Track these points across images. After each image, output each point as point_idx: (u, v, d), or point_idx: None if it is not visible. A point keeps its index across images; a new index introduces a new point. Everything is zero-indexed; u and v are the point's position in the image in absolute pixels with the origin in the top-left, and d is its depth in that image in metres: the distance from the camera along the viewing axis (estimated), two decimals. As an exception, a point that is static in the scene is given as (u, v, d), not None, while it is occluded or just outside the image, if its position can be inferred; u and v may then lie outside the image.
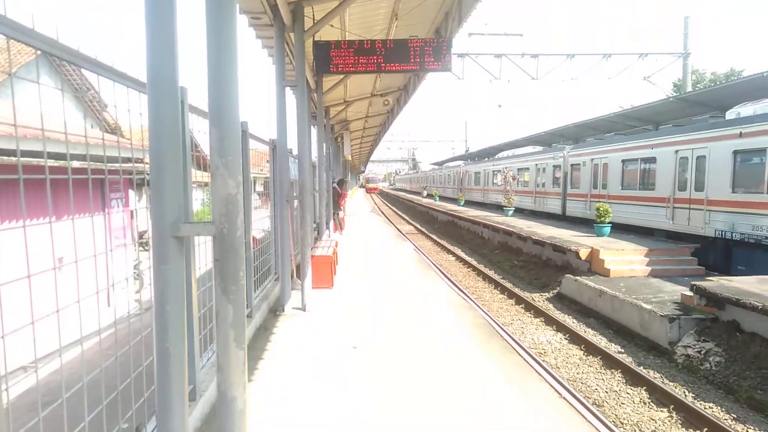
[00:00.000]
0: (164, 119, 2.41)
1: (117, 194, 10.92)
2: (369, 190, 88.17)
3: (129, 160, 3.35)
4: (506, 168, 27.92)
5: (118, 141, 3.16)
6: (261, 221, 8.44)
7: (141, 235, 13.77)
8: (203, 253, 3.84)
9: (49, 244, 2.27)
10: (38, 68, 2.19)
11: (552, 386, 4.87)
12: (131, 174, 3.51)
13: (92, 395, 2.64)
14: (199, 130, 4.05)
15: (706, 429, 6.11)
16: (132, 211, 11.46)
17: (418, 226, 30.93)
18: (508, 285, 14.24)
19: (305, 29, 7.48)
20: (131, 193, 13.12)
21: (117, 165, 2.97)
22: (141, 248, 14.06)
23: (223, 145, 2.46)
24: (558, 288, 13.22)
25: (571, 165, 20.92)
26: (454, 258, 19.72)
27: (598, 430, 4.03)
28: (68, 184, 2.46)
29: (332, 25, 8.40)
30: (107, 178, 9.79)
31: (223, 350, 2.50)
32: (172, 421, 2.51)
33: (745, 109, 12.87)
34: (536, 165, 24.57)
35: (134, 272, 11.09)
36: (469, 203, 35.67)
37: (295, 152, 8.49)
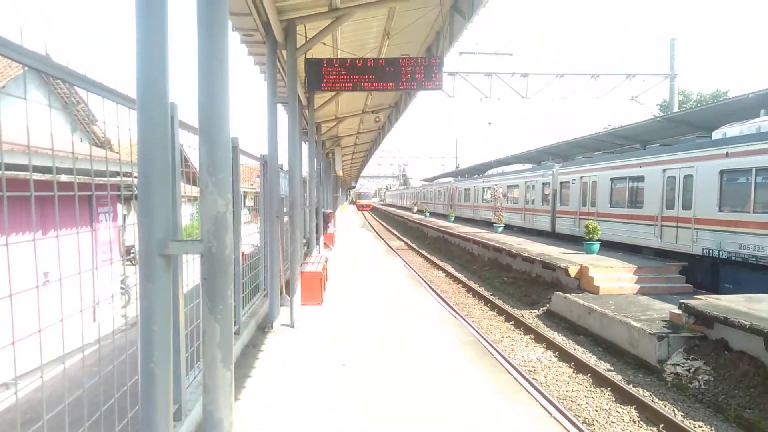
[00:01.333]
0: (153, 136, 2.40)
1: (105, 208, 10.82)
2: (360, 207, 78.03)
3: (117, 173, 3.32)
4: (496, 185, 28.08)
5: (106, 155, 3.13)
6: (251, 236, 8.40)
7: (128, 250, 13.64)
8: (190, 268, 3.80)
9: (34, 258, 2.23)
10: (25, 83, 2.17)
11: (543, 406, 4.85)
12: (119, 188, 3.47)
13: (74, 414, 2.58)
14: (189, 145, 4.03)
15: (695, 449, 6.10)
16: (119, 227, 11.36)
17: (409, 242, 30.90)
18: (498, 302, 14.22)
19: (297, 47, 7.52)
20: (119, 207, 13.02)
21: (105, 179, 2.93)
22: (128, 263, 13.92)
23: (213, 162, 2.44)
24: (548, 305, 13.22)
25: (561, 183, 21.07)
26: (444, 274, 19.70)
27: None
28: (54, 198, 2.43)
29: (324, 43, 8.46)
30: (94, 193, 9.71)
31: (210, 370, 2.46)
32: (156, 442, 2.46)
33: (731, 130, 13.06)
34: (526, 182, 24.73)
35: (121, 287, 10.97)
36: (460, 219, 35.75)
37: (286, 168, 8.48)
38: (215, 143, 2.45)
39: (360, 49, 9.90)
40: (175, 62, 2.63)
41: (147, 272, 2.40)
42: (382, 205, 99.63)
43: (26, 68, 2.21)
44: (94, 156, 2.93)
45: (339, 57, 8.30)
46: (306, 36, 7.90)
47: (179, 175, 3.76)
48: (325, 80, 7.43)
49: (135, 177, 2.59)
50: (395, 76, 7.46)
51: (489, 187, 29.47)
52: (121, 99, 2.87)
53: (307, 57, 7.82)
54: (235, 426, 4.12)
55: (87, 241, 9.40)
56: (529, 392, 5.21)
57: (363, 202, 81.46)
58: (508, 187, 27.18)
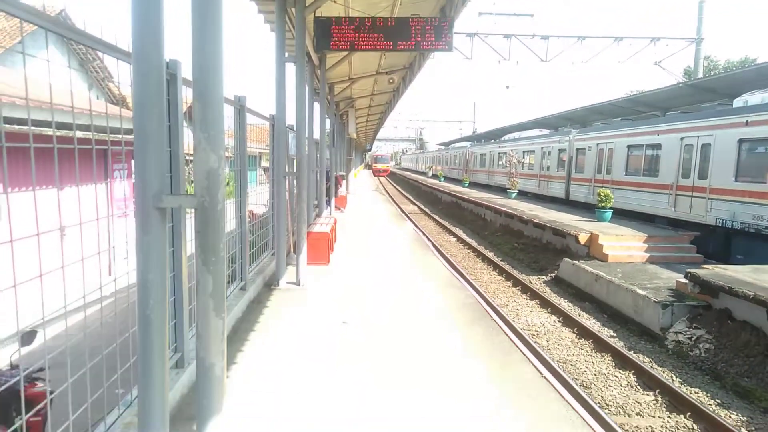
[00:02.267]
0: (148, 91, 2.45)
1: (120, 165, 10.98)
2: (377, 173, 68.33)
3: (132, 131, 3.39)
4: (512, 150, 27.80)
5: (120, 112, 3.19)
6: (264, 195, 8.51)
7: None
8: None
9: (53, 212, 2.33)
10: (47, 38, 2.24)
11: (536, 367, 4.96)
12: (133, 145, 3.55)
13: (81, 360, 2.73)
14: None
15: (689, 413, 6.21)
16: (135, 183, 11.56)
17: (422, 206, 30.95)
18: (507, 267, 14.30)
19: (306, 4, 7.44)
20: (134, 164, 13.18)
21: (120, 136, 3.01)
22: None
23: (206, 118, 2.50)
24: (556, 272, 13.28)
25: (577, 149, 20.79)
26: (455, 239, 19.79)
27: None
28: (72, 154, 2.51)
29: (335, 1, 8.34)
30: (110, 149, 9.84)
31: (203, 319, 2.58)
32: (153, 385, 2.59)
33: (753, 98, 12.72)
34: (542, 148, 24.44)
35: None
36: (474, 185, 35.59)
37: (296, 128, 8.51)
38: (208, 100, 2.50)
39: (372, 7, 9.72)
40: (175, 20, 2.66)
41: (143, 224, 2.50)
42: (397, 169, 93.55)
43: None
44: (109, 113, 3.00)
45: (350, 16, 8.18)
46: (316, -7, 7.79)
47: (182, 131, 3.82)
48: (333, 39, 7.35)
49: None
50: (404, 37, 7.36)
51: (504, 153, 29.18)
52: (123, 55, 2.92)
53: (317, 15, 7.73)
54: (236, 376, 4.31)
55: (102, 197, 9.60)
56: (523, 353, 5.32)
57: (380, 166, 70.75)
58: (523, 152, 26.90)
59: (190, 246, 4.01)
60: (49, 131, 5.01)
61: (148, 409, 2.58)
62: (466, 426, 3.73)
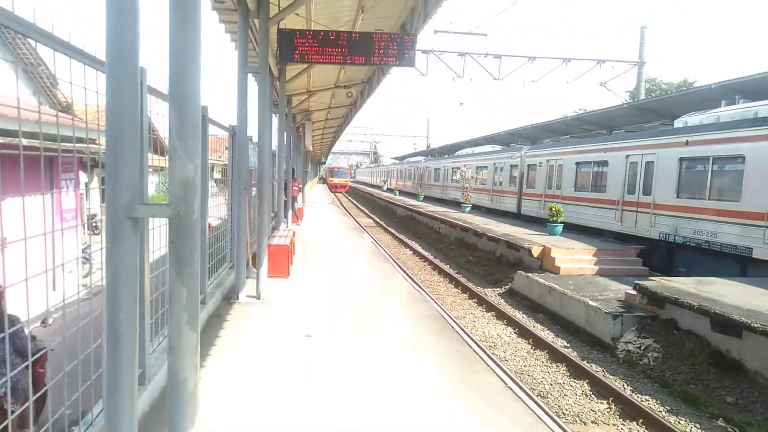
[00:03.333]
0: (122, 99, 2.38)
1: (68, 174, 10.55)
2: (333, 188, 59.88)
3: (81, 140, 3.28)
4: (465, 165, 28.34)
5: (72, 120, 3.09)
6: (218, 208, 8.34)
7: (91, 219, 13.36)
8: (156, 237, 3.80)
9: None
10: None
11: (500, 376, 5.05)
12: (83, 154, 3.44)
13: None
14: (157, 113, 3.99)
15: (641, 420, 6.45)
16: (82, 193, 11.11)
17: (377, 220, 31.05)
18: (463, 280, 14.51)
19: (270, 16, 7.41)
20: (82, 174, 12.69)
21: (70, 145, 2.90)
22: (90, 232, 13.64)
23: (183, 127, 2.45)
24: (510, 284, 13.57)
25: (528, 165, 21.41)
26: (411, 252, 19.93)
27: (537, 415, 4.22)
28: (17, 162, 2.40)
29: (297, 14, 8.35)
30: (60, 157, 9.45)
31: (176, 332, 2.50)
32: (120, 402, 2.49)
33: (692, 119, 13.48)
34: (494, 164, 25.04)
35: (83, 256, 10.77)
36: (429, 199, 36.00)
37: (255, 140, 8.41)
38: (185, 108, 2.46)
39: (334, 21, 9.79)
40: (146, 26, 2.61)
41: (114, 235, 2.41)
42: (352, 182, 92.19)
43: (-10, 23, 2.16)
44: (56, 121, 2.89)
45: (312, 29, 8.21)
46: (279, 5, 7.78)
47: (147, 141, 3.74)
48: (297, 51, 7.34)
49: (99, 144, 2.57)
50: (368, 51, 7.43)
51: (458, 168, 29.72)
52: (89, 60, 2.83)
53: (280, 27, 7.72)
54: (199, 390, 4.17)
55: (49, 208, 9.18)
56: (487, 364, 5.40)
57: (337, 180, 61.78)
58: (476, 168, 27.47)
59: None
60: (-1, 138, 4.80)
61: (116, 428, 2.48)
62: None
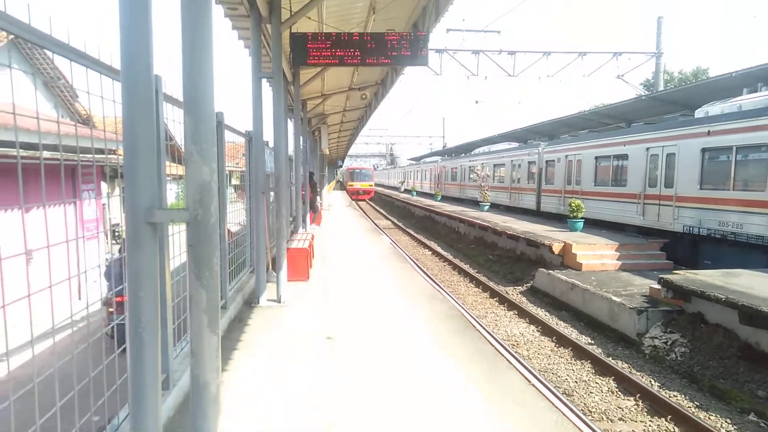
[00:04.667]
0: (138, 106, 2.41)
1: (89, 185, 10.74)
2: (354, 194, 49.60)
3: (102, 151, 3.33)
4: (482, 164, 28.19)
5: (91, 132, 3.13)
6: (236, 214, 8.41)
7: (114, 229, 13.58)
8: (177, 244, 3.84)
9: (18, 237, 2.26)
10: (9, 55, 2.15)
11: (523, 374, 4.99)
12: (103, 165, 3.49)
13: (64, 385, 2.64)
14: (174, 119, 4.04)
15: (669, 416, 6.32)
16: (104, 203, 11.30)
17: (395, 221, 31.04)
18: (483, 279, 14.42)
19: (282, 21, 7.45)
20: (103, 185, 12.90)
21: (90, 156, 2.94)
22: (114, 241, 13.87)
23: (198, 131, 2.47)
24: (531, 282, 13.45)
25: (546, 161, 21.21)
26: (430, 252, 19.87)
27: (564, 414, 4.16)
28: (39, 175, 2.44)
29: (309, 17, 8.38)
30: (80, 169, 9.62)
31: (197, 335, 2.52)
32: (145, 407, 2.52)
33: (713, 108, 13.22)
34: (512, 161, 24.85)
35: (107, 265, 10.94)
36: (446, 198, 35.88)
37: (271, 145, 8.47)
38: (199, 113, 2.48)
39: (345, 24, 9.82)
40: (160, 34, 2.64)
41: (134, 240, 2.44)
42: None
43: (10, 37, 2.21)
44: (78, 132, 2.94)
45: (324, 32, 8.24)
46: (291, 10, 7.82)
47: (164, 147, 3.78)
48: (310, 55, 7.38)
49: (119, 154, 2.60)
50: (381, 52, 7.43)
51: (475, 166, 29.57)
52: (105, 69, 2.87)
53: (292, 31, 7.76)
54: (223, 396, 4.20)
55: (72, 220, 9.35)
56: (510, 362, 5.35)
57: (359, 185, 50.63)
58: (494, 166, 27.29)
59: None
60: (12, 151, 4.89)
61: (141, 432, 2.50)
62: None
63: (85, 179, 10.75)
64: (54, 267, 2.57)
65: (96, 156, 3.10)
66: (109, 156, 4.31)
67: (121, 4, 2.38)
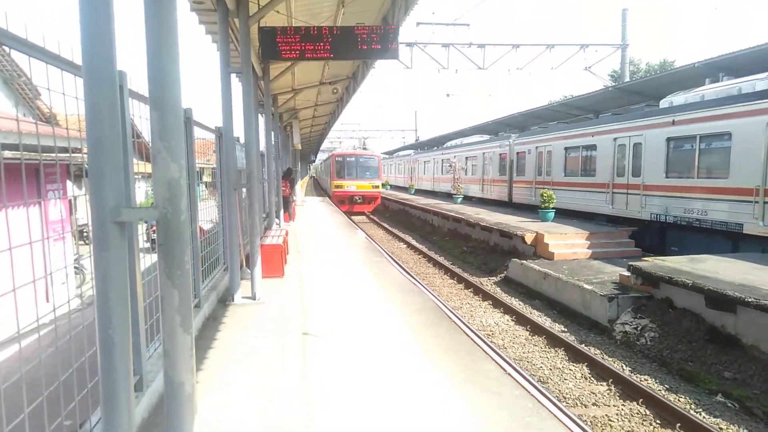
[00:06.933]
0: (101, 101, 2.34)
1: (54, 185, 10.44)
2: (346, 204, 30.10)
3: (66, 149, 3.23)
4: (455, 156, 28.37)
5: (53, 130, 3.04)
6: (208, 211, 8.29)
7: (82, 229, 13.25)
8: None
9: None
10: None
11: (499, 364, 5.06)
12: (68, 164, 3.40)
13: (32, 391, 2.57)
14: (141, 116, 3.95)
15: (641, 399, 6.48)
16: (70, 203, 11.01)
17: (370, 215, 31.01)
18: (458, 270, 14.54)
19: (250, 14, 7.35)
20: (69, 184, 12.56)
21: (53, 155, 2.86)
22: (82, 242, 13.54)
23: (165, 128, 2.42)
24: (505, 272, 13.61)
25: (517, 153, 21.46)
26: (405, 245, 19.93)
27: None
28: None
29: (278, 11, 8.28)
30: (42, 169, 9.33)
31: (170, 336, 2.48)
32: (117, 409, 2.46)
33: (677, 98, 13.54)
34: (483, 153, 25.07)
35: (75, 267, 10.68)
36: (420, 192, 36.02)
37: (242, 140, 8.36)
38: (166, 108, 2.42)
39: (315, 17, 9.73)
40: (124, 28, 2.57)
41: (101, 240, 2.37)
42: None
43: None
44: (40, 132, 2.84)
45: (294, 26, 8.15)
46: (259, 4, 7.71)
47: (130, 145, 3.70)
48: (279, 49, 7.29)
49: (85, 153, 2.53)
50: (351, 45, 7.39)
51: (448, 159, 29.74)
52: (66, 65, 2.79)
53: (261, 26, 7.66)
54: (199, 395, 4.15)
55: (36, 220, 9.09)
56: (484, 351, 5.41)
57: (355, 186, 30.60)
58: (466, 158, 27.49)
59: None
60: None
61: (114, 436, 2.45)
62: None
63: (49, 179, 10.44)
64: (18, 270, 2.49)
65: (60, 155, 3.02)
66: (74, 154, 4.19)
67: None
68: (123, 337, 2.44)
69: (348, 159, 31.16)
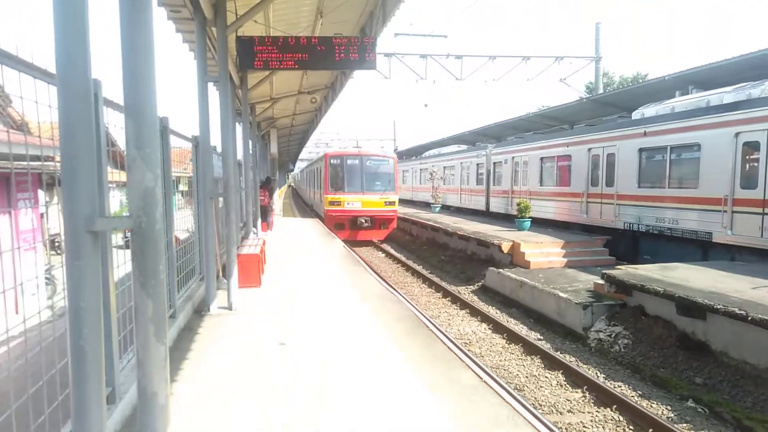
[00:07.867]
0: (75, 110, 2.33)
1: (25, 194, 10.22)
2: (346, 229, 20.36)
3: (37, 157, 3.19)
4: (433, 166, 28.57)
5: (25, 138, 3.00)
6: (184, 220, 8.21)
7: (54, 239, 12.98)
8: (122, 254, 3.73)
9: None
10: None
11: (475, 372, 5.09)
12: (41, 172, 3.35)
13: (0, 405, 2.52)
14: (116, 125, 3.93)
15: (615, 406, 6.58)
16: (42, 213, 10.80)
17: (348, 225, 30.93)
18: (436, 279, 14.60)
19: (228, 24, 7.34)
20: (41, 193, 12.32)
21: (25, 163, 2.82)
22: (53, 252, 13.25)
23: (140, 136, 2.42)
24: (482, 281, 13.71)
25: (494, 163, 21.71)
26: (383, 254, 19.95)
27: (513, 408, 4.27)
28: None
29: (256, 21, 8.30)
30: (13, 177, 9.15)
31: (144, 346, 2.46)
32: (88, 422, 2.42)
33: (649, 110, 13.88)
34: (461, 163, 25.30)
35: (46, 277, 10.45)
36: (399, 201, 36.02)
37: (219, 149, 8.31)
38: (142, 117, 2.42)
39: (293, 27, 9.76)
40: (98, 35, 2.56)
41: (74, 249, 2.35)
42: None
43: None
44: (10, 140, 2.81)
45: (272, 35, 8.16)
46: (236, 13, 7.71)
47: (105, 154, 3.67)
48: (257, 58, 7.30)
49: (57, 161, 2.51)
50: (329, 56, 7.44)
51: (426, 169, 29.92)
52: (39, 74, 2.76)
53: (239, 35, 7.66)
54: (170, 403, 4.10)
55: (6, 230, 8.88)
56: (461, 359, 5.44)
57: (359, 201, 20.65)
58: (444, 168, 27.71)
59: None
60: (-51, 158, 4.63)
61: (86, 449, 2.41)
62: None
63: (20, 188, 10.22)
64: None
65: (32, 163, 2.98)
66: (46, 163, 4.13)
67: (55, 3, 2.30)
68: (95, 348, 2.41)
69: (349, 161, 21.20)
